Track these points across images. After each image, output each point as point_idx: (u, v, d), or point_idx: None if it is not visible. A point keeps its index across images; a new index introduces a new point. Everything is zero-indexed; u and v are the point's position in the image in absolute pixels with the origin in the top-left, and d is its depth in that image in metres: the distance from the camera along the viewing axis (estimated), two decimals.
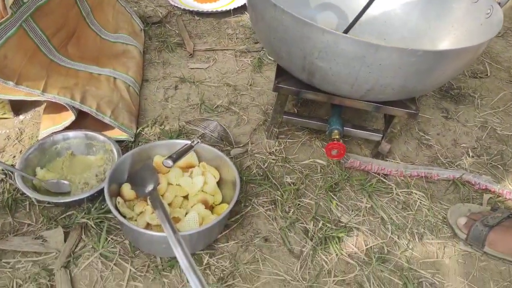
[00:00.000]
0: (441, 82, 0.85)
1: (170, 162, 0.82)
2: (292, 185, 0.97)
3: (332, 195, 0.95)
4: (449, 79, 0.89)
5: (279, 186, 0.96)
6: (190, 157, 0.89)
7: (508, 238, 0.86)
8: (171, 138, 1.03)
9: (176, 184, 0.86)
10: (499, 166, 1.08)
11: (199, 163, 0.90)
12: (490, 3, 0.90)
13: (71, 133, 0.95)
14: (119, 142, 0.97)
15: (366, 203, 0.95)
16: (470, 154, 1.10)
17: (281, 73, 0.95)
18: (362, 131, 1.00)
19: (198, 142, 0.89)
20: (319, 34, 0.74)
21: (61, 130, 0.95)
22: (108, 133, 0.98)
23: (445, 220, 0.93)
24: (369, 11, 1.14)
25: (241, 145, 1.05)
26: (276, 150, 1.04)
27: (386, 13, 1.11)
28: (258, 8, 0.84)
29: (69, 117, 0.95)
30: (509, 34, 1.63)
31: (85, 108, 0.95)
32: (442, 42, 1.02)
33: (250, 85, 1.24)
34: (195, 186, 0.85)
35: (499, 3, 0.90)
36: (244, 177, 0.96)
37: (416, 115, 0.91)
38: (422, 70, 0.77)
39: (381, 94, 0.83)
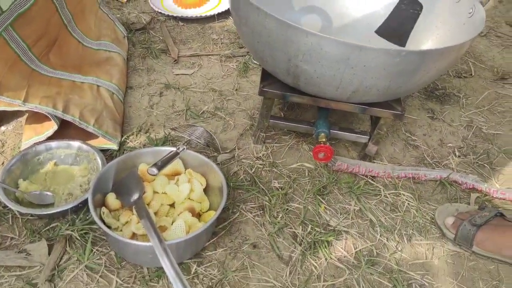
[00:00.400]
0: (425, 82, 0.85)
1: (155, 170, 0.81)
2: (280, 189, 0.96)
3: (321, 199, 0.95)
4: (434, 79, 0.89)
5: (267, 191, 0.95)
6: (176, 164, 0.88)
7: (496, 237, 0.86)
8: (156, 145, 1.02)
9: (162, 192, 0.84)
10: (486, 165, 1.08)
11: (185, 170, 0.89)
12: (472, 3, 0.91)
13: (53, 143, 0.93)
14: (103, 151, 0.95)
15: (354, 205, 0.94)
16: (457, 154, 1.10)
17: (267, 77, 0.95)
18: (349, 134, 1.00)
19: (184, 149, 0.88)
20: (302, 37, 0.74)
21: (44, 140, 0.93)
22: (92, 142, 0.96)
23: (433, 220, 0.93)
24: (352, 14, 1.15)
25: (228, 151, 1.04)
26: (263, 154, 1.04)
27: (370, 15, 1.11)
28: (241, 12, 0.84)
29: (52, 127, 0.93)
30: (492, 34, 1.65)
31: (67, 117, 0.94)
32: (426, 42, 1.02)
33: (236, 90, 1.24)
34: (181, 193, 0.84)
35: (481, 2, 0.90)
36: (231, 183, 0.95)
37: (401, 116, 0.91)
38: (406, 71, 0.77)
39: (366, 95, 0.83)
